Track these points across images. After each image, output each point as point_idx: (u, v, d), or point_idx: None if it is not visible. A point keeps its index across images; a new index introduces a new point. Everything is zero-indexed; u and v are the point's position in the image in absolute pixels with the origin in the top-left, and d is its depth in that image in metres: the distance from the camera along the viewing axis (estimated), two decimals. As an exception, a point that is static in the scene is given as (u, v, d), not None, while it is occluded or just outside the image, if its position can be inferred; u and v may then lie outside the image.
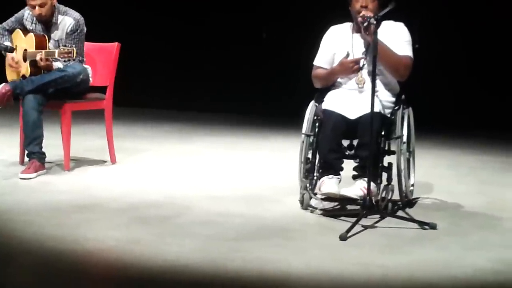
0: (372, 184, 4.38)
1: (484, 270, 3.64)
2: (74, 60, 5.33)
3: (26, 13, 5.57)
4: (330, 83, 4.75)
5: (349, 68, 4.61)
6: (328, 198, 4.56)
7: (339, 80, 4.74)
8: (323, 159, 4.56)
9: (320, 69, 4.78)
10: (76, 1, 5.68)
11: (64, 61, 5.34)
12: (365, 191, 4.36)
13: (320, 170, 4.58)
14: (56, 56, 5.23)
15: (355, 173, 4.60)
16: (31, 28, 5.54)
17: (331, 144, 4.54)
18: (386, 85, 4.68)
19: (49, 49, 5.39)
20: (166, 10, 8.93)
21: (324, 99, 4.71)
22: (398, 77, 4.68)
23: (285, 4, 8.42)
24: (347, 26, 4.77)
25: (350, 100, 4.59)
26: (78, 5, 5.64)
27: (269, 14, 8.61)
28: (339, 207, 4.61)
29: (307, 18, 7.86)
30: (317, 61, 4.81)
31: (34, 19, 5.51)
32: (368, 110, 4.32)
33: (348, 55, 4.64)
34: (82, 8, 5.64)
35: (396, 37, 4.65)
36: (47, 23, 5.50)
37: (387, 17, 4.53)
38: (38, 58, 5.28)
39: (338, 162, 4.57)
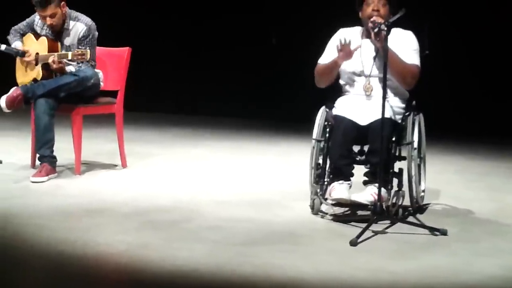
0: (383, 190, 4.38)
1: (494, 277, 3.63)
2: (87, 62, 5.35)
3: (36, 18, 5.58)
4: (331, 76, 4.66)
5: (346, 51, 4.52)
6: (339, 203, 4.56)
7: (346, 87, 4.73)
8: (333, 164, 4.56)
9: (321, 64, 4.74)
10: (87, 6, 5.71)
11: (77, 63, 5.35)
12: (376, 197, 4.35)
13: (331, 176, 4.58)
14: (70, 57, 5.25)
15: (365, 178, 4.60)
16: (42, 33, 5.56)
17: (342, 150, 4.54)
18: (395, 91, 4.67)
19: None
20: (176, 14, 8.95)
21: (335, 105, 4.71)
22: (404, 85, 4.66)
23: (293, 7, 8.42)
24: (357, 30, 4.75)
25: (361, 106, 4.58)
26: (89, 10, 5.66)
27: (277, 18, 8.61)
28: (350, 212, 4.61)
29: (315, 22, 7.85)
30: (321, 60, 4.74)
31: (45, 25, 5.52)
32: (379, 116, 4.32)
33: (348, 42, 4.56)
34: (93, 13, 5.65)
35: (405, 45, 4.64)
36: (59, 30, 5.50)
37: (396, 24, 4.52)
38: (50, 60, 5.30)
39: (349, 168, 4.57)
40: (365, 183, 4.58)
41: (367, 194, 4.46)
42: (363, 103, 4.61)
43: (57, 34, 5.52)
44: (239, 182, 5.51)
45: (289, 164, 6.12)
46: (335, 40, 4.73)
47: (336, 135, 4.55)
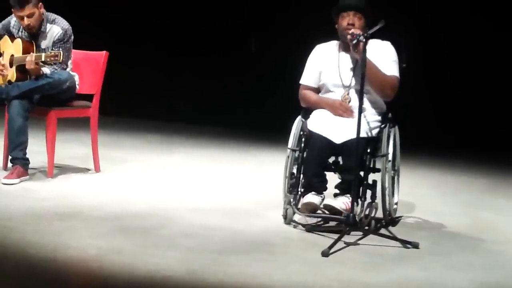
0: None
1: (465, 291, 3.65)
2: (60, 63, 5.31)
3: (12, 20, 5.54)
4: (315, 109, 4.75)
5: (338, 113, 4.62)
6: (312, 213, 4.56)
7: (325, 96, 4.75)
8: (306, 182, 4.58)
9: (309, 91, 4.78)
10: (64, 9, 5.67)
11: (51, 64, 5.31)
12: (347, 206, 4.37)
13: (303, 189, 4.59)
14: (43, 59, 5.21)
15: (336, 191, 4.60)
16: (18, 35, 5.52)
17: (317, 169, 4.57)
18: (373, 104, 4.69)
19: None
20: (155, 20, 8.92)
21: (311, 115, 4.72)
22: (384, 97, 4.69)
23: (272, 16, 8.44)
24: (334, 44, 4.78)
25: (337, 121, 4.59)
26: (66, 13, 5.62)
27: (255, 26, 8.62)
28: (322, 223, 4.61)
29: (293, 31, 7.88)
30: (303, 80, 4.82)
31: (21, 27, 5.48)
32: (354, 135, 4.33)
33: (346, 98, 4.64)
34: (70, 16, 5.62)
35: (383, 56, 4.66)
36: (36, 32, 5.46)
37: (374, 35, 4.55)
38: (27, 59, 5.25)
39: (322, 184, 4.60)
40: (336, 195, 4.58)
41: (340, 202, 4.48)
42: (339, 117, 4.61)
43: (33, 36, 5.48)
44: (215, 190, 5.50)
45: (265, 173, 6.11)
46: (314, 58, 4.78)
47: (311, 154, 4.57)
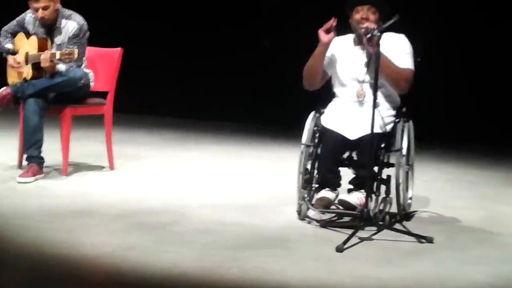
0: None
1: (480, 285, 3.63)
2: (75, 62, 5.33)
3: (27, 16, 5.56)
4: (315, 71, 4.67)
5: (323, 31, 4.57)
6: (326, 209, 4.55)
7: (339, 93, 4.73)
8: (321, 177, 4.57)
9: None
10: (80, 5, 5.68)
11: (65, 62, 5.33)
12: (362, 201, 4.36)
13: (318, 185, 4.58)
14: (58, 57, 5.22)
15: (350, 186, 4.59)
16: (33, 31, 5.54)
17: (331, 165, 4.57)
18: (387, 98, 4.68)
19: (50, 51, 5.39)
20: (169, 17, 8.94)
21: (325, 110, 4.71)
22: (398, 90, 4.68)
23: (287, 12, 8.43)
24: (350, 38, 4.76)
25: (351, 117, 4.57)
26: (82, 10, 5.63)
27: (270, 22, 8.62)
28: (336, 218, 4.60)
29: (309, 26, 7.86)
30: None
31: (37, 22, 5.50)
32: (368, 131, 4.32)
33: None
34: (86, 12, 5.63)
35: (397, 49, 4.64)
36: (50, 27, 5.49)
37: (388, 28, 4.53)
38: (42, 57, 5.26)
39: (336, 180, 4.60)
40: (350, 191, 4.58)
41: (354, 198, 4.48)
42: (354, 112, 4.60)
43: (48, 32, 5.49)
44: (230, 186, 5.50)
45: (280, 169, 6.11)
46: (328, 48, 4.74)
47: (325, 150, 4.56)
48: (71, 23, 5.47)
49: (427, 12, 7.73)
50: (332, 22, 4.56)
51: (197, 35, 8.87)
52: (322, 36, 4.61)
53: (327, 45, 4.63)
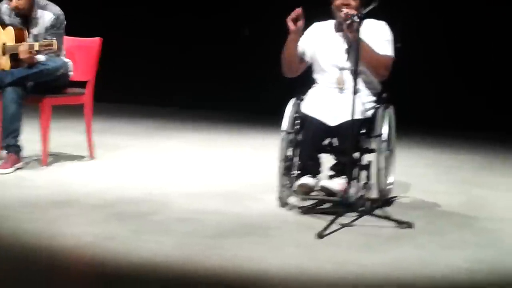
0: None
1: (460, 269, 3.65)
2: (54, 52, 5.29)
3: (3, 7, 5.52)
4: (291, 59, 4.69)
5: (291, 18, 4.60)
6: (307, 195, 4.56)
7: (319, 79, 4.73)
8: (302, 164, 4.58)
9: None
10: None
11: (45, 53, 5.29)
12: (343, 188, 4.38)
13: (299, 172, 4.59)
14: (37, 48, 5.19)
15: (332, 173, 4.60)
16: (9, 22, 5.49)
17: (311, 151, 4.57)
18: (367, 84, 4.68)
19: (28, 43, 5.35)
20: (149, 6, 8.90)
21: (305, 97, 4.71)
22: (377, 77, 4.68)
23: (267, 1, 8.41)
24: (331, 23, 4.76)
25: (331, 103, 4.57)
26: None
27: (249, 10, 8.60)
28: (317, 205, 4.61)
29: (287, 14, 7.84)
30: None
31: (13, 13, 5.46)
32: (349, 117, 4.32)
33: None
34: (63, 2, 5.59)
35: (378, 36, 4.64)
36: (26, 18, 5.45)
37: (369, 15, 4.53)
38: (21, 49, 5.23)
39: (317, 167, 4.60)
40: (331, 177, 4.58)
41: (335, 184, 4.49)
42: (334, 99, 4.60)
43: (25, 22, 5.45)
44: (210, 174, 5.49)
45: (260, 156, 6.11)
46: (308, 34, 4.75)
47: (306, 136, 4.56)
48: (48, 14, 5.44)
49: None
50: (299, 10, 4.56)
51: (177, 24, 8.83)
52: (290, 25, 4.62)
53: (296, 33, 4.63)
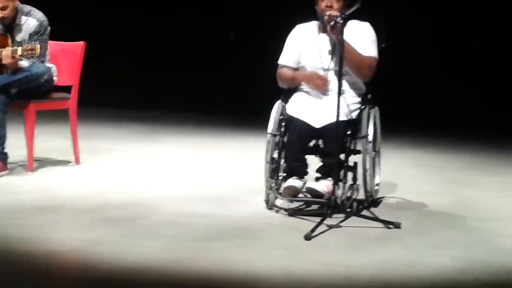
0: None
1: (447, 269, 3.65)
2: (38, 57, 5.27)
3: (-13, 15, 5.49)
4: (294, 86, 4.75)
5: (316, 84, 4.62)
6: (293, 197, 4.56)
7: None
8: (288, 166, 4.57)
9: (285, 69, 4.78)
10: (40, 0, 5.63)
11: (27, 58, 5.27)
12: (329, 189, 4.37)
13: (285, 174, 4.58)
14: (19, 53, 5.16)
15: (318, 175, 4.60)
16: (-8, 29, 5.47)
17: (297, 153, 4.57)
18: (352, 85, 4.69)
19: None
20: (132, 8, 8.88)
21: (290, 99, 4.71)
22: (361, 78, 4.70)
23: (250, 3, 8.41)
24: (313, 24, 4.77)
25: (316, 105, 4.58)
26: (42, 4, 5.57)
27: (234, 13, 8.60)
28: (304, 207, 4.61)
29: (272, 17, 7.86)
30: (282, 60, 4.81)
31: (-4, 21, 5.43)
32: (334, 118, 4.33)
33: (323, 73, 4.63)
34: (46, 6, 5.57)
35: (361, 37, 4.66)
36: (10, 25, 5.42)
37: (353, 16, 4.55)
38: (4, 54, 5.20)
39: (303, 169, 4.60)
40: (318, 179, 4.59)
41: (321, 185, 4.49)
42: (319, 100, 4.61)
43: (8, 29, 5.42)
44: (196, 177, 5.49)
45: (246, 158, 6.11)
46: (293, 38, 4.76)
47: (291, 138, 4.57)
48: (31, 20, 5.41)
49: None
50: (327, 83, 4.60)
51: (161, 26, 8.82)
52: (318, 83, 4.60)
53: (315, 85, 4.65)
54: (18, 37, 5.42)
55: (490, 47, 7.88)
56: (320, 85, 4.62)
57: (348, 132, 4.59)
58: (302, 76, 4.71)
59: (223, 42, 8.65)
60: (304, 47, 4.73)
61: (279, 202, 4.59)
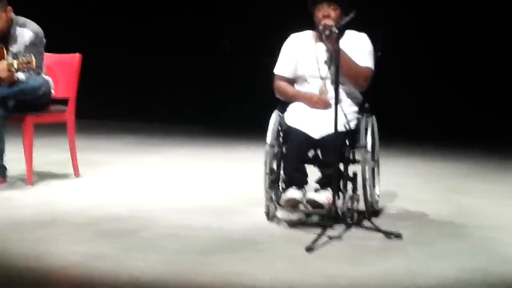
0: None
1: (449, 279, 3.65)
2: (34, 70, 5.26)
3: (-19, 27, 5.48)
4: (291, 102, 4.74)
5: (315, 104, 4.62)
6: (294, 208, 4.54)
7: (301, 89, 4.73)
8: (287, 177, 4.57)
9: (284, 83, 4.77)
10: (36, 11, 5.61)
11: (24, 71, 5.26)
12: (330, 200, 4.37)
13: (284, 185, 4.58)
14: (16, 66, 5.16)
15: (317, 186, 4.60)
16: (-13, 41, 5.46)
17: (296, 164, 4.56)
18: (349, 94, 4.69)
19: (7, 61, 5.31)
20: (127, 20, 8.87)
21: (288, 109, 4.70)
22: (357, 88, 4.70)
23: (243, 11, 8.42)
24: (309, 34, 4.77)
25: (314, 115, 4.58)
26: (38, 16, 5.56)
27: (227, 22, 8.60)
28: (305, 218, 4.60)
29: (267, 25, 7.86)
30: (278, 70, 4.79)
31: (-10, 32, 5.42)
32: (332, 129, 4.33)
33: (323, 89, 4.63)
34: (42, 18, 5.56)
35: (358, 48, 4.66)
36: (4, 36, 5.41)
37: (350, 26, 4.56)
38: (0, 67, 5.19)
39: (303, 179, 4.58)
40: (317, 190, 4.58)
41: (322, 196, 4.47)
42: (317, 110, 4.61)
43: (3, 41, 5.41)
44: (195, 189, 5.47)
45: (245, 170, 6.10)
46: (289, 47, 4.76)
47: (290, 149, 4.56)
48: (27, 32, 5.40)
49: (388, 4, 7.77)
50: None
51: (157, 36, 8.81)
52: (319, 103, 4.60)
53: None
54: (14, 49, 5.41)
55: (485, 55, 7.88)
56: (321, 107, 4.61)
57: (347, 142, 4.59)
58: (302, 97, 4.70)
59: (218, 52, 8.64)
60: (301, 56, 4.73)
61: (280, 213, 4.58)
